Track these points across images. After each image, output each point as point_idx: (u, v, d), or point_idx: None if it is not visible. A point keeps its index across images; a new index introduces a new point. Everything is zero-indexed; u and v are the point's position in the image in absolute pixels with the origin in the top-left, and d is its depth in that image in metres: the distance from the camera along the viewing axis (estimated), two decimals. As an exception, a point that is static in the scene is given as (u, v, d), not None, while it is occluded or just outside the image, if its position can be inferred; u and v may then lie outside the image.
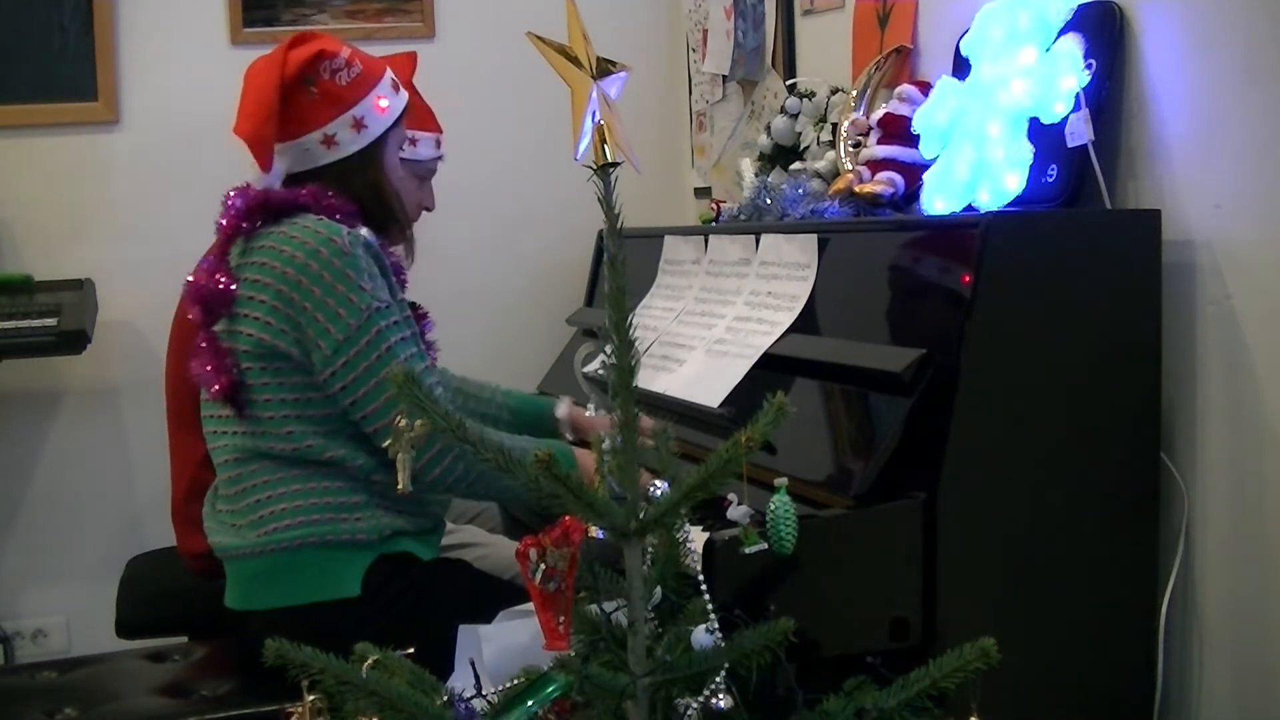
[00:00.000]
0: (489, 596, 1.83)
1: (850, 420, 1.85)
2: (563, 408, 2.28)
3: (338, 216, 1.89)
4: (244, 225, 1.87)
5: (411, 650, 1.36)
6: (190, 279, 1.88)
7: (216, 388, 1.85)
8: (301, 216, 1.87)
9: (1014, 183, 1.88)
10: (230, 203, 1.90)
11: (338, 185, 1.94)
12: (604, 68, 1.15)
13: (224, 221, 1.89)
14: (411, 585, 1.89)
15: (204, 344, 1.86)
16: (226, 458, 1.91)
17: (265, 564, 1.86)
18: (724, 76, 3.15)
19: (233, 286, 1.85)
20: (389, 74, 2.03)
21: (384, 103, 1.99)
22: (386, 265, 1.92)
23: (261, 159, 1.89)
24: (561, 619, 1.14)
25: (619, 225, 1.15)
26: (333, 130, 1.94)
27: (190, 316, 1.88)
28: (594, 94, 1.13)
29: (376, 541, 1.86)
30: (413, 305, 2.01)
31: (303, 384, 1.85)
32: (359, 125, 1.95)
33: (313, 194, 1.90)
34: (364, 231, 1.91)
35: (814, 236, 2.06)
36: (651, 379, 2.23)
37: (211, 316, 1.86)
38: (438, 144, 2.50)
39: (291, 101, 1.91)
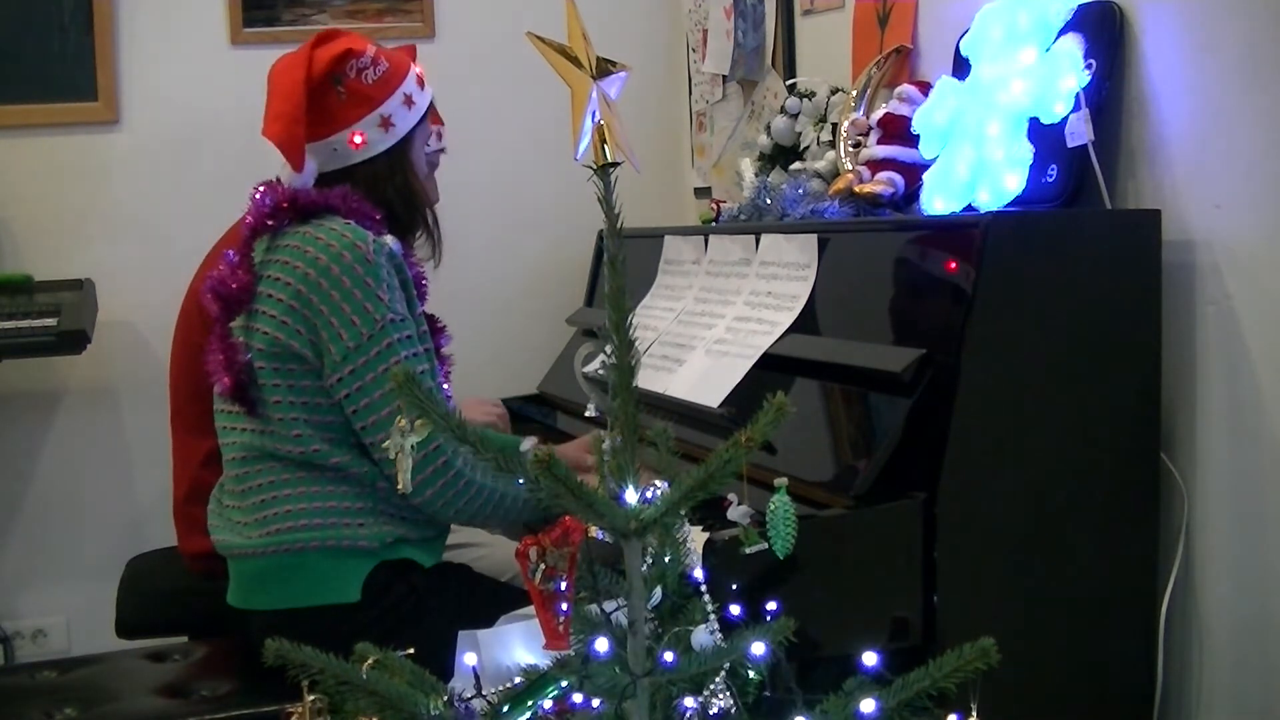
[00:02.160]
0: (489, 601, 1.83)
1: (850, 420, 1.84)
2: (526, 443, 2.25)
3: (365, 221, 1.89)
4: (270, 223, 1.87)
5: (411, 651, 1.36)
6: (214, 274, 1.88)
7: (223, 384, 1.85)
8: (329, 219, 1.87)
9: (1014, 183, 1.88)
10: (258, 199, 1.90)
11: (367, 187, 1.94)
12: (604, 68, 1.15)
13: (250, 218, 1.89)
14: (412, 591, 1.89)
15: (216, 340, 1.86)
16: (235, 455, 1.91)
17: (267, 564, 1.86)
18: (724, 76, 3.15)
19: (253, 284, 1.85)
20: (414, 69, 2.02)
21: (411, 99, 1.98)
22: (408, 277, 1.91)
23: (294, 160, 1.88)
24: (561, 619, 1.14)
25: (619, 225, 1.15)
26: (361, 129, 1.93)
27: (208, 310, 1.88)
28: (594, 94, 1.13)
29: (378, 548, 1.86)
30: (431, 317, 2.00)
31: (313, 387, 1.84)
32: (387, 124, 1.95)
33: (341, 196, 1.90)
34: (389, 240, 1.90)
35: (814, 236, 2.06)
36: (651, 379, 2.23)
37: (230, 312, 1.86)
38: (439, 135, 2.49)
39: (319, 101, 1.90)
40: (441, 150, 2.49)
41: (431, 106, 2.10)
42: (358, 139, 1.93)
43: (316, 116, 1.89)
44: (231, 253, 1.89)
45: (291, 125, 1.87)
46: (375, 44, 1.99)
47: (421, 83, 2.03)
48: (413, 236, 2.05)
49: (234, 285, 1.84)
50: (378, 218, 1.92)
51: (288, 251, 1.85)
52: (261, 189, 1.92)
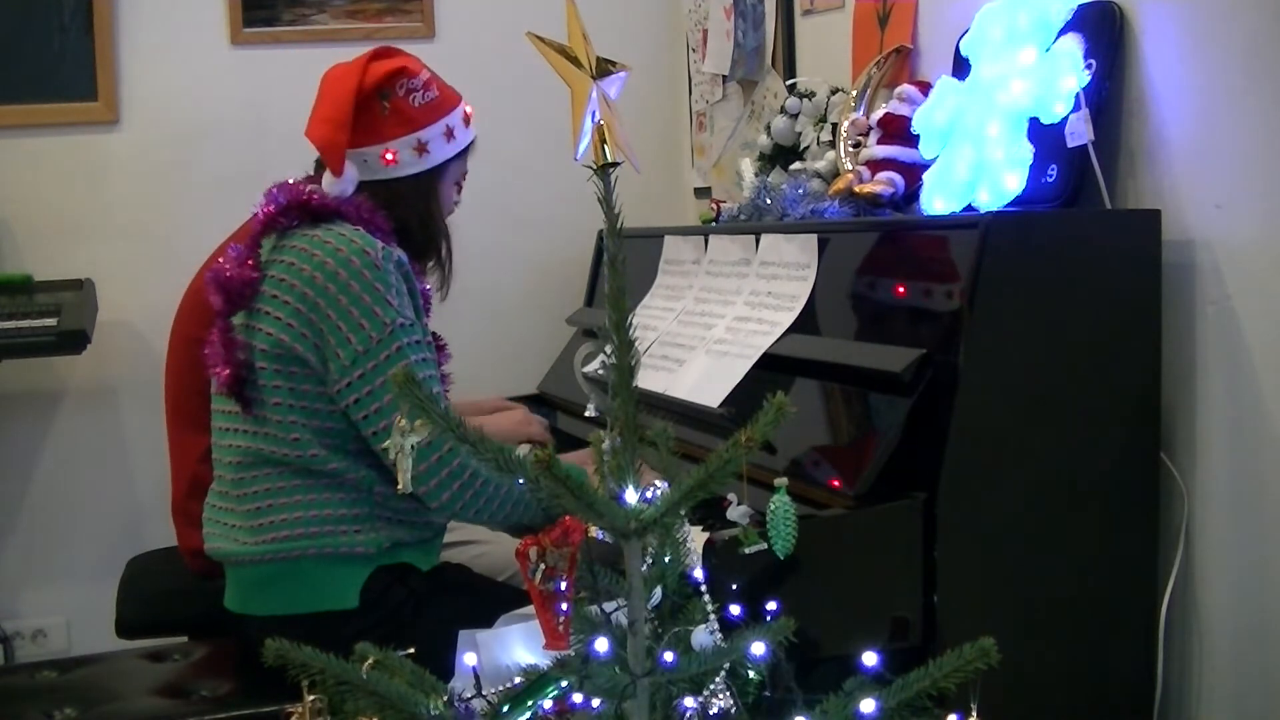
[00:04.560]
0: (489, 601, 1.83)
1: (850, 420, 1.85)
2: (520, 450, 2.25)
3: (375, 232, 1.89)
4: (281, 221, 1.87)
5: (411, 651, 1.36)
6: (218, 266, 1.87)
7: (221, 377, 1.84)
8: (339, 224, 1.87)
9: (1014, 183, 1.88)
10: (272, 195, 1.91)
11: (388, 203, 1.94)
12: (604, 68, 1.15)
13: (261, 213, 1.89)
14: (411, 595, 1.89)
15: (217, 333, 1.86)
16: (232, 459, 1.91)
17: (263, 571, 1.86)
18: (724, 76, 3.15)
19: (258, 279, 1.85)
20: (463, 107, 2.05)
21: (452, 133, 2.01)
22: (415, 287, 1.92)
23: (334, 164, 1.90)
24: (561, 619, 1.14)
25: (619, 225, 1.15)
26: (395, 148, 1.95)
27: (210, 302, 1.88)
28: (594, 94, 1.13)
29: (375, 554, 1.85)
30: (434, 335, 2.01)
31: (313, 392, 1.84)
32: (422, 149, 1.96)
33: (355, 204, 1.90)
34: (397, 250, 1.90)
35: (814, 236, 2.06)
36: (651, 379, 2.23)
37: (232, 306, 1.86)
38: (458, 188, 2.47)
39: (362, 112, 1.92)
40: (455, 203, 2.46)
41: (466, 165, 2.11)
42: (389, 156, 1.94)
43: (356, 125, 1.91)
44: (237, 246, 1.89)
45: (336, 131, 1.89)
46: (431, 71, 2.02)
47: (468, 121, 2.06)
48: (424, 265, 2.05)
49: (238, 279, 1.84)
50: (387, 229, 1.92)
51: (294, 253, 1.85)
52: (276, 187, 1.93)
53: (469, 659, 1.36)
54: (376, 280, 1.81)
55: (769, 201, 2.37)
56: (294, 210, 1.87)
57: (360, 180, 1.94)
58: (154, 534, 2.80)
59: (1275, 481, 1.72)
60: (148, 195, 3.17)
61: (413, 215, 1.99)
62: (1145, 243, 1.79)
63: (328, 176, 1.92)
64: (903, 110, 2.16)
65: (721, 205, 2.71)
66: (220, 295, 1.85)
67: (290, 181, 1.95)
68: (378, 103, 1.93)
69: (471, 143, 2.09)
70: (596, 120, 1.13)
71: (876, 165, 2.16)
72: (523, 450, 2.22)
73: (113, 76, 3.11)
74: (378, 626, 1.81)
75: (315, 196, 1.88)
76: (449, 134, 2.01)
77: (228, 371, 1.84)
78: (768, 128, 2.66)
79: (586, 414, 2.28)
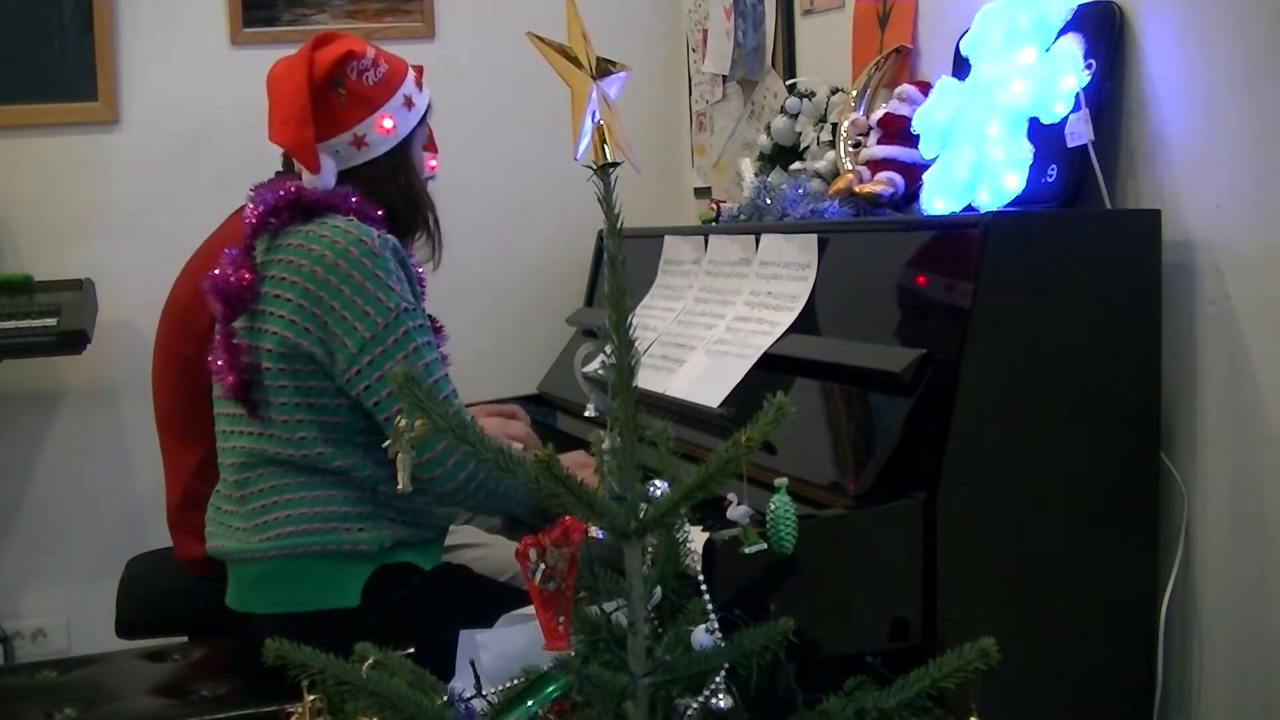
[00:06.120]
0: (489, 601, 1.83)
1: (850, 420, 1.85)
2: None
3: (367, 220, 1.89)
4: (272, 221, 1.87)
5: (412, 651, 1.36)
6: (215, 273, 1.87)
7: (227, 384, 1.84)
8: (330, 217, 1.87)
9: (1014, 183, 1.88)
10: (259, 196, 1.90)
11: (370, 188, 1.94)
12: (604, 68, 1.15)
13: (251, 217, 1.88)
14: (412, 595, 1.89)
15: (219, 339, 1.86)
16: (234, 460, 1.91)
17: (265, 569, 1.86)
18: (724, 76, 3.15)
19: (256, 281, 1.84)
20: (411, 71, 2.04)
21: (410, 101, 2.00)
22: (412, 273, 1.92)
23: (308, 162, 1.89)
24: (561, 619, 1.14)
25: (619, 225, 1.15)
26: (362, 131, 1.94)
27: (211, 309, 1.88)
28: (594, 94, 1.13)
29: (377, 552, 1.86)
30: (430, 317, 2.01)
31: (319, 388, 1.84)
32: (387, 126, 1.96)
33: (343, 195, 1.90)
34: (391, 236, 1.91)
35: (814, 236, 2.06)
36: (651, 379, 2.23)
37: (232, 311, 1.85)
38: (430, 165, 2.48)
39: (320, 104, 1.90)
40: (431, 178, 2.47)
41: (430, 133, 2.10)
42: (359, 140, 1.93)
43: (318, 119, 1.90)
44: (231, 251, 1.89)
45: (300, 129, 1.88)
46: (374, 46, 2.00)
47: (420, 84, 2.04)
48: (412, 238, 2.05)
49: (236, 284, 1.84)
50: (377, 215, 1.92)
51: (292, 250, 1.85)
52: (262, 187, 1.92)
53: (469, 659, 1.36)
54: (377, 268, 1.82)
55: (769, 201, 2.37)
56: (284, 209, 1.87)
57: (338, 170, 1.94)
58: (154, 534, 2.79)
59: (1275, 481, 1.72)
60: (148, 195, 3.17)
61: (395, 193, 1.99)
62: (1145, 243, 1.79)
63: (307, 174, 1.92)
64: (903, 110, 2.16)
65: (721, 205, 2.71)
66: (220, 302, 1.85)
67: (273, 181, 1.94)
68: (333, 91, 1.92)
69: (429, 104, 2.08)
70: (596, 120, 1.13)
71: (876, 165, 2.16)
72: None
73: (113, 76, 3.11)
74: (379, 625, 1.82)
75: (305, 193, 1.88)
76: (408, 103, 2.00)
77: (233, 377, 1.84)
78: (768, 128, 2.66)
79: (586, 414, 2.26)
